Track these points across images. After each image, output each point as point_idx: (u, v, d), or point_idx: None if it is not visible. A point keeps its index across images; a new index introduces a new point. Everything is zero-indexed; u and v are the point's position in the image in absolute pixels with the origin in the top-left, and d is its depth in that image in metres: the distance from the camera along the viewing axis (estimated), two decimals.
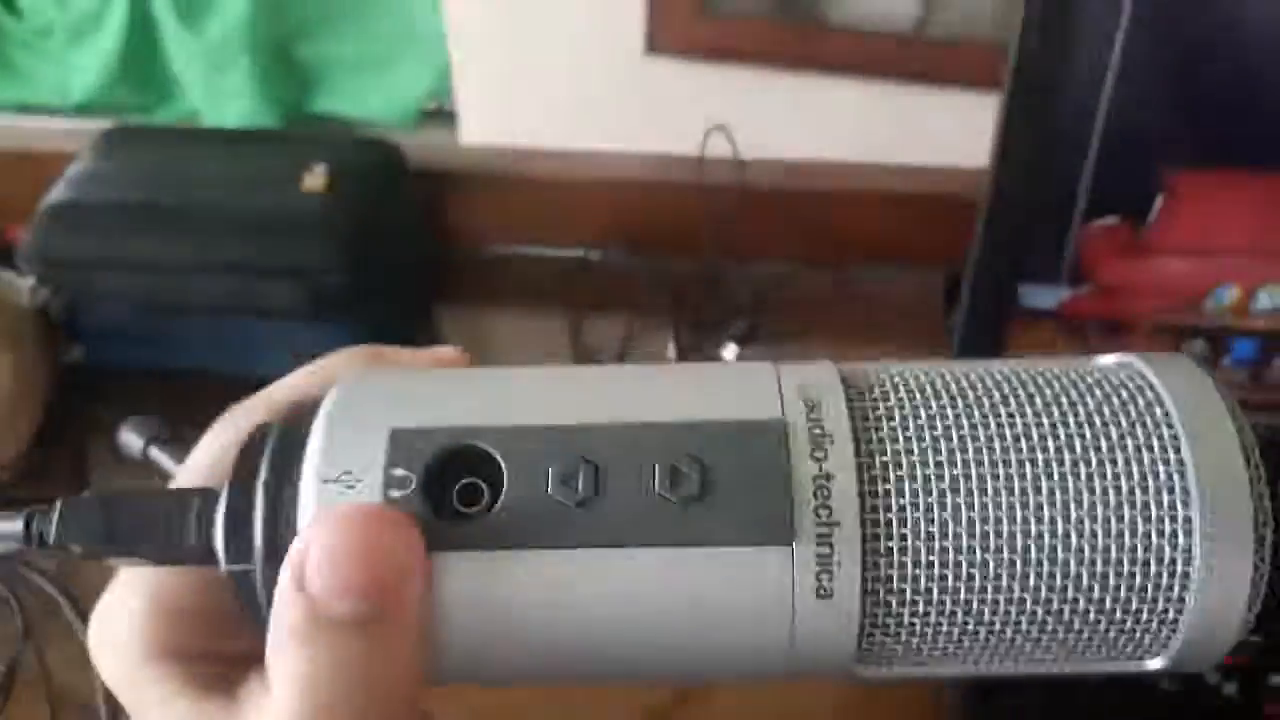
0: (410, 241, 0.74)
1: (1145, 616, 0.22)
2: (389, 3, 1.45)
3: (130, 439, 0.40)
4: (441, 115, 1.43)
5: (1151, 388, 0.23)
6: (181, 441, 0.31)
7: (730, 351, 0.71)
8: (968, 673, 0.24)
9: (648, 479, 0.22)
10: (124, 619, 0.25)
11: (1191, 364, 0.23)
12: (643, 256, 0.76)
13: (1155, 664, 0.23)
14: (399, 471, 0.22)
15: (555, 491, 0.22)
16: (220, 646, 0.25)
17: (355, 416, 0.23)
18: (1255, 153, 0.52)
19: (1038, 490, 0.22)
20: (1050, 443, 0.22)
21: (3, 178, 0.79)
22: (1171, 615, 0.22)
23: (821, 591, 0.22)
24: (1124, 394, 0.23)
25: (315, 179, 0.67)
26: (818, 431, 0.22)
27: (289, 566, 0.22)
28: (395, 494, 0.22)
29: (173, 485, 0.26)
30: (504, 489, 0.22)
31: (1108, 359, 0.24)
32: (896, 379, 0.24)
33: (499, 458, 0.22)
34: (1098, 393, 0.23)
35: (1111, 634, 0.23)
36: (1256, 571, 0.22)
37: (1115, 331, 0.56)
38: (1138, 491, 0.22)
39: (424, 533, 0.22)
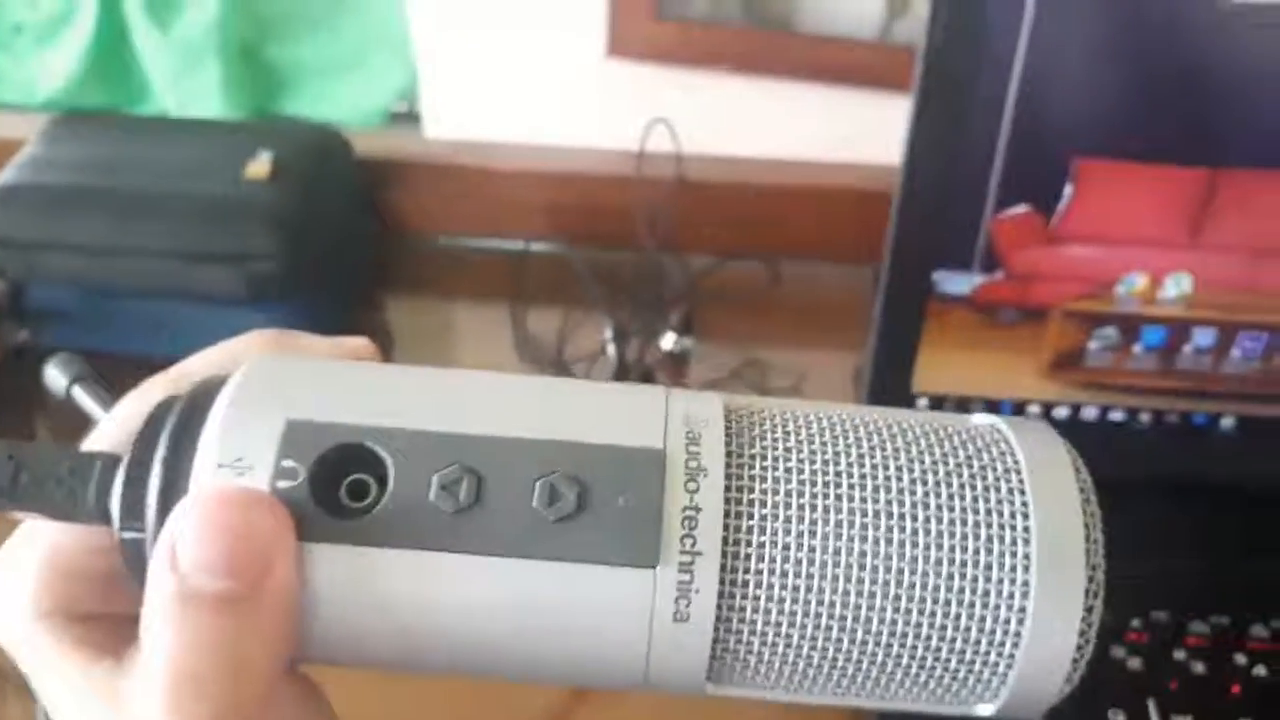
0: (352, 230, 0.75)
1: (978, 667, 0.24)
2: (358, 6, 1.47)
3: (55, 376, 0.41)
4: (410, 118, 1.45)
5: (1012, 454, 0.25)
6: (105, 381, 0.32)
7: (668, 340, 0.73)
8: (813, 700, 0.26)
9: (527, 494, 0.23)
10: (18, 577, 0.26)
11: (1052, 434, 0.25)
12: (582, 248, 0.77)
13: (985, 710, 0.25)
14: (289, 463, 0.24)
15: (436, 497, 0.23)
16: (112, 609, 0.26)
17: (254, 403, 0.24)
18: (1161, 145, 0.54)
19: (889, 541, 0.23)
20: (908, 497, 0.24)
21: None
22: (1002, 669, 0.24)
23: (679, 615, 0.23)
24: (985, 457, 0.25)
25: (259, 166, 0.68)
26: (694, 465, 0.24)
27: (163, 543, 0.23)
28: (283, 484, 0.23)
29: (84, 447, 0.27)
30: (388, 489, 0.23)
31: (981, 419, 0.26)
32: (776, 417, 0.25)
33: (387, 459, 0.24)
34: (960, 453, 0.25)
35: (946, 679, 0.24)
36: (1082, 636, 0.24)
37: (1028, 318, 0.57)
38: (983, 552, 0.23)
39: (305, 524, 0.23)
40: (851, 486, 0.24)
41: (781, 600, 0.23)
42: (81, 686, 0.25)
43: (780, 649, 0.24)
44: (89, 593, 0.26)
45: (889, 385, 0.59)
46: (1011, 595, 0.23)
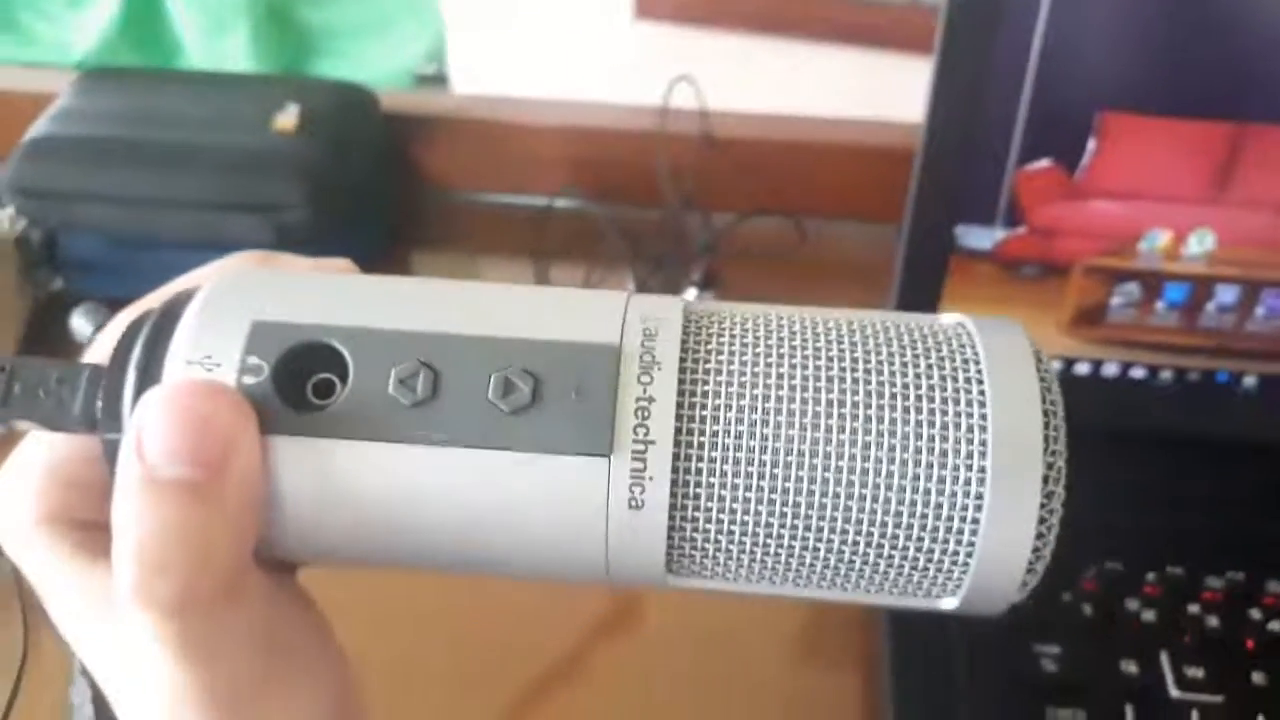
0: (377, 183, 0.76)
1: (937, 555, 0.24)
2: None
3: (81, 324, 0.42)
4: (437, 80, 1.45)
5: (973, 347, 0.25)
6: None
7: (691, 296, 0.73)
8: (774, 592, 0.26)
9: (482, 386, 0.24)
10: (21, 484, 0.27)
11: (1018, 329, 0.25)
12: (606, 204, 0.77)
13: (948, 603, 0.25)
14: (254, 360, 0.25)
15: (395, 391, 0.24)
16: (109, 516, 0.27)
17: (225, 306, 0.25)
18: (1186, 100, 0.54)
19: (842, 429, 0.24)
20: (861, 387, 0.24)
21: None
22: (962, 557, 0.24)
23: (634, 503, 0.24)
24: (945, 350, 0.25)
25: (286, 119, 0.69)
26: (648, 358, 0.24)
27: (130, 432, 0.24)
28: (249, 380, 0.24)
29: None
30: (348, 384, 0.24)
31: (948, 318, 0.26)
32: (737, 318, 0.26)
33: (347, 355, 0.25)
34: (920, 346, 0.25)
35: (906, 569, 0.25)
36: (1041, 524, 0.24)
37: (1051, 273, 0.57)
38: (937, 439, 0.24)
39: (269, 418, 0.24)
40: (806, 377, 0.24)
41: (736, 487, 0.24)
42: (79, 589, 0.26)
43: (737, 536, 0.24)
44: (86, 500, 0.27)
45: None
46: (968, 481, 0.23)
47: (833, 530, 0.24)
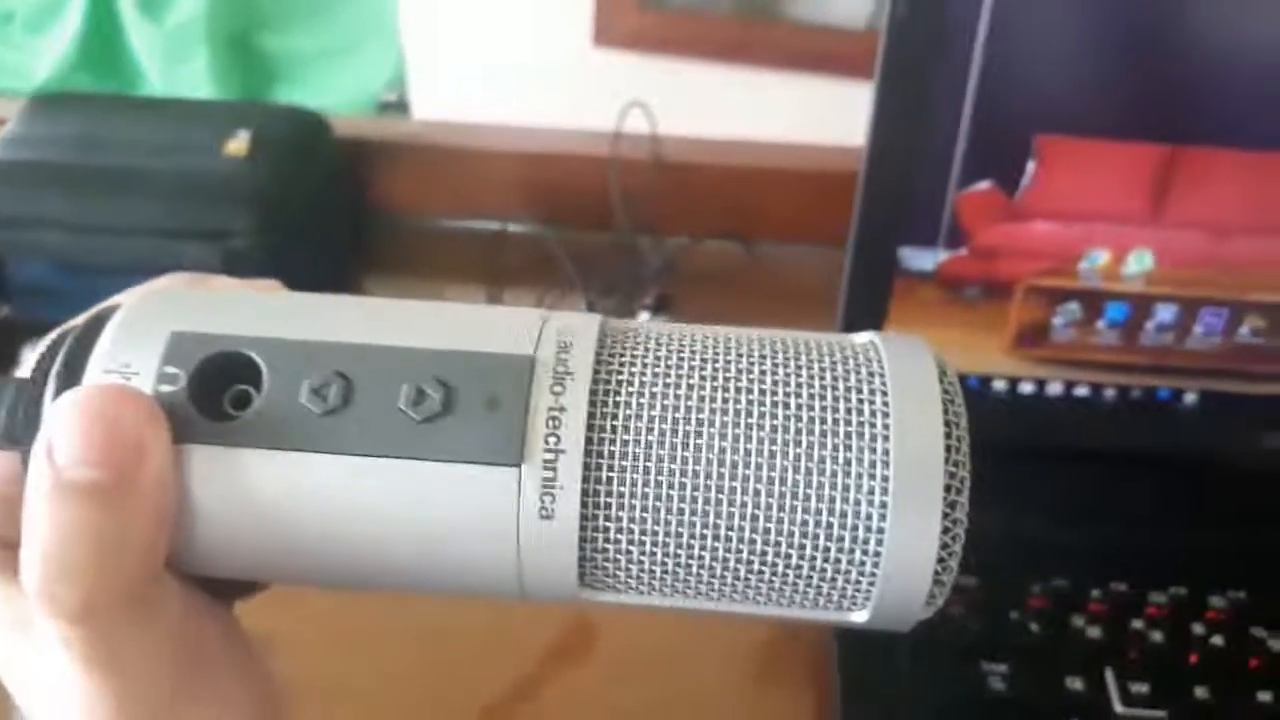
0: (329, 209, 0.76)
1: (845, 565, 0.25)
2: None
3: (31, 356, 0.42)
4: (399, 107, 1.46)
5: (880, 361, 0.25)
6: None
7: (644, 319, 0.74)
8: (688, 607, 0.26)
9: (394, 396, 0.24)
10: None
11: (922, 344, 0.26)
12: (560, 228, 0.78)
13: (858, 616, 0.26)
14: (171, 369, 0.25)
15: (307, 400, 0.24)
16: None
17: (145, 318, 0.26)
18: (1122, 122, 0.55)
19: (749, 438, 0.24)
20: (769, 398, 0.25)
21: None
22: (869, 567, 0.24)
23: (545, 512, 0.24)
24: (851, 364, 0.25)
25: (238, 144, 0.69)
26: (561, 370, 0.25)
27: (41, 436, 0.24)
28: (165, 388, 0.25)
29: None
30: (262, 394, 0.25)
31: (859, 337, 0.27)
32: (652, 334, 0.26)
33: (262, 365, 0.25)
34: (826, 360, 0.25)
35: (815, 578, 0.25)
36: (946, 534, 0.24)
37: (993, 294, 0.58)
38: (841, 448, 0.24)
39: (183, 426, 0.24)
40: (715, 389, 0.25)
41: (645, 496, 0.24)
42: (1, 605, 0.26)
43: (648, 547, 0.25)
44: (12, 518, 0.26)
45: None
46: (871, 490, 0.24)
47: (740, 539, 0.24)
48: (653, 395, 0.25)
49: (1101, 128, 0.55)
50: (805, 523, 0.24)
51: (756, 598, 0.26)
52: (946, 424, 0.24)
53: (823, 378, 0.25)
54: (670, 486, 0.24)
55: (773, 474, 0.24)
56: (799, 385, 0.25)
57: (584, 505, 0.24)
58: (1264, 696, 0.52)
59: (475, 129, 0.82)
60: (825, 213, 0.77)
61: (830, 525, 0.24)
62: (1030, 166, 0.55)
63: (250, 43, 1.50)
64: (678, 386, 0.25)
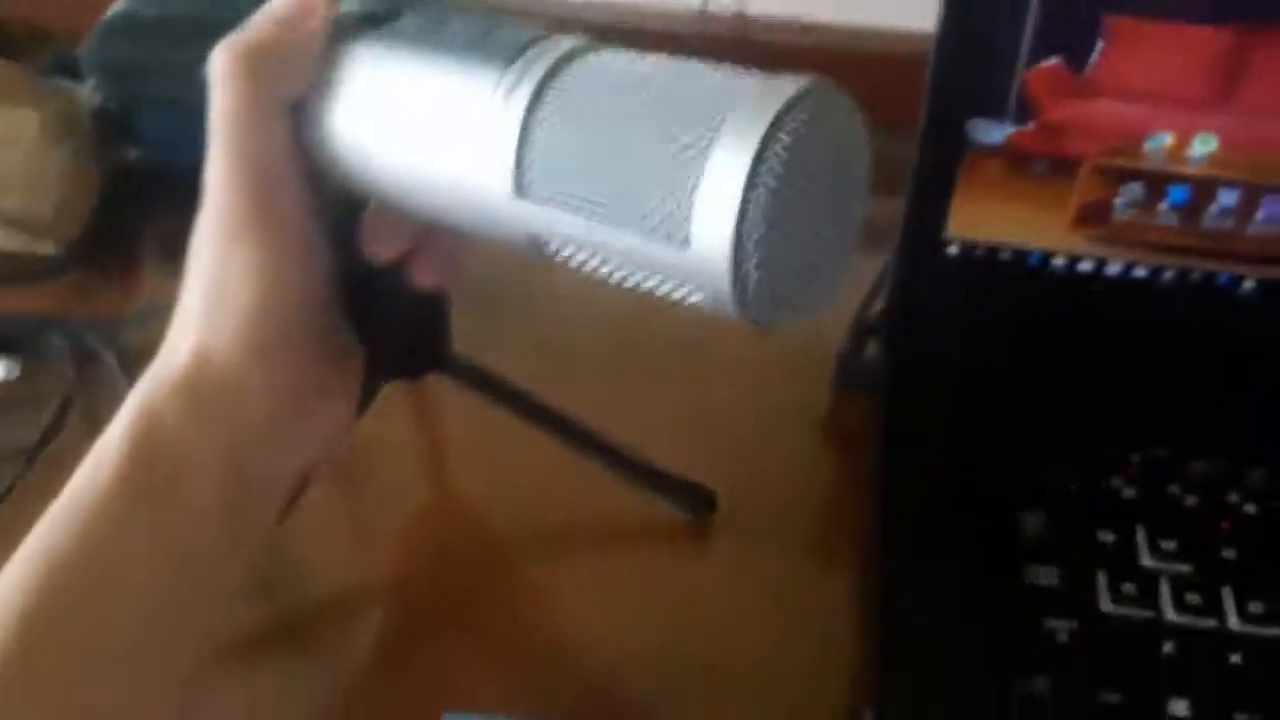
0: None
1: (675, 194, 0.33)
2: None
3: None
4: None
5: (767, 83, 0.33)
6: None
7: None
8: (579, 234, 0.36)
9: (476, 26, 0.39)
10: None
11: (807, 84, 0.33)
12: None
13: (680, 252, 0.33)
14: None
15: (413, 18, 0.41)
16: None
17: None
18: (1192, 4, 0.56)
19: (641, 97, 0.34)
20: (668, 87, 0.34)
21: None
22: (688, 196, 0.32)
23: (506, 101, 0.36)
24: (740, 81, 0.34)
25: None
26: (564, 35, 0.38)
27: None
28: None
29: None
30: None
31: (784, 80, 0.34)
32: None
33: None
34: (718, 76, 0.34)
35: (656, 200, 0.33)
36: (748, 194, 0.32)
37: (1058, 170, 0.60)
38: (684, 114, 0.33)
39: (347, 29, 0.41)
40: (620, 75, 0.35)
41: (573, 120, 0.35)
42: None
43: (565, 157, 0.35)
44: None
45: (924, 231, 0.63)
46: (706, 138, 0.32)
47: (617, 160, 0.34)
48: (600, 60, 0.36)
49: (1170, 9, 0.56)
50: (653, 157, 0.33)
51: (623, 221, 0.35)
52: (778, 114, 0.32)
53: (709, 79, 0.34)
54: (587, 120, 0.35)
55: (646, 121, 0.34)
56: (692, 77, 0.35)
57: (529, 108, 0.35)
58: None
59: (548, 3, 0.85)
60: (900, 96, 0.80)
61: (677, 149, 0.33)
62: (1099, 45, 0.57)
63: None
64: (619, 62, 0.36)
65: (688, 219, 0.33)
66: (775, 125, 0.32)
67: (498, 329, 0.60)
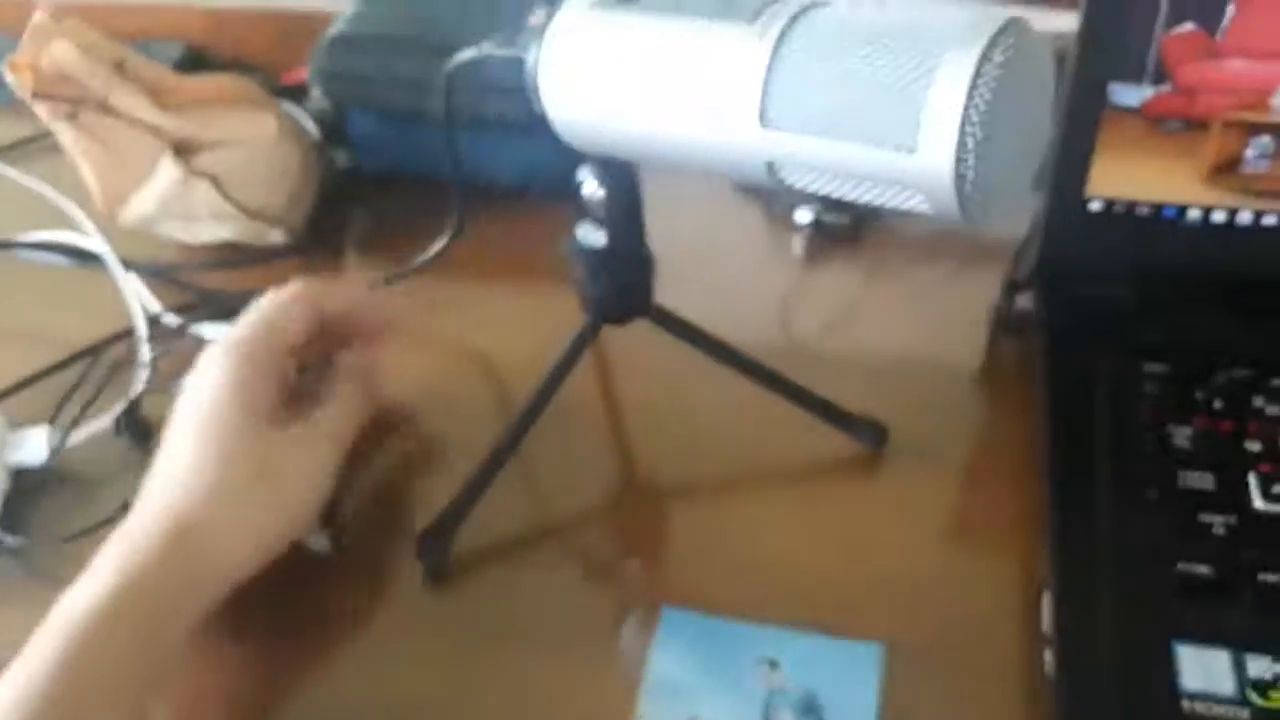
0: None
1: (902, 110, 0.41)
2: None
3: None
4: None
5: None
6: None
7: None
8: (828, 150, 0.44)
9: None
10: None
11: (1011, 18, 0.41)
12: None
13: (910, 160, 0.41)
14: None
15: None
16: None
17: None
18: None
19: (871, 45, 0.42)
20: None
21: (281, 34, 0.99)
22: (914, 115, 0.41)
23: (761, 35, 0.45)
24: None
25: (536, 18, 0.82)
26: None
27: None
28: None
29: None
30: None
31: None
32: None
33: None
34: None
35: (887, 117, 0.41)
36: (969, 98, 0.40)
37: (1192, 128, 0.67)
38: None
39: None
40: (852, 29, 0.44)
41: (809, 62, 0.43)
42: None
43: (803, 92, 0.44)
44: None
45: (1066, 188, 0.70)
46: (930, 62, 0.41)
47: (851, 86, 0.42)
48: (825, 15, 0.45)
49: None
50: (887, 83, 0.41)
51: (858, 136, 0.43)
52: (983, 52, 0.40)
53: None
54: (823, 60, 0.43)
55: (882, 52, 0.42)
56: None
57: (774, 52, 0.44)
58: None
59: None
60: None
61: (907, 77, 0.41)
62: (1229, 10, 0.64)
63: None
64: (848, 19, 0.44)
65: (916, 127, 0.40)
66: (989, 49, 0.39)
67: (685, 288, 0.68)
